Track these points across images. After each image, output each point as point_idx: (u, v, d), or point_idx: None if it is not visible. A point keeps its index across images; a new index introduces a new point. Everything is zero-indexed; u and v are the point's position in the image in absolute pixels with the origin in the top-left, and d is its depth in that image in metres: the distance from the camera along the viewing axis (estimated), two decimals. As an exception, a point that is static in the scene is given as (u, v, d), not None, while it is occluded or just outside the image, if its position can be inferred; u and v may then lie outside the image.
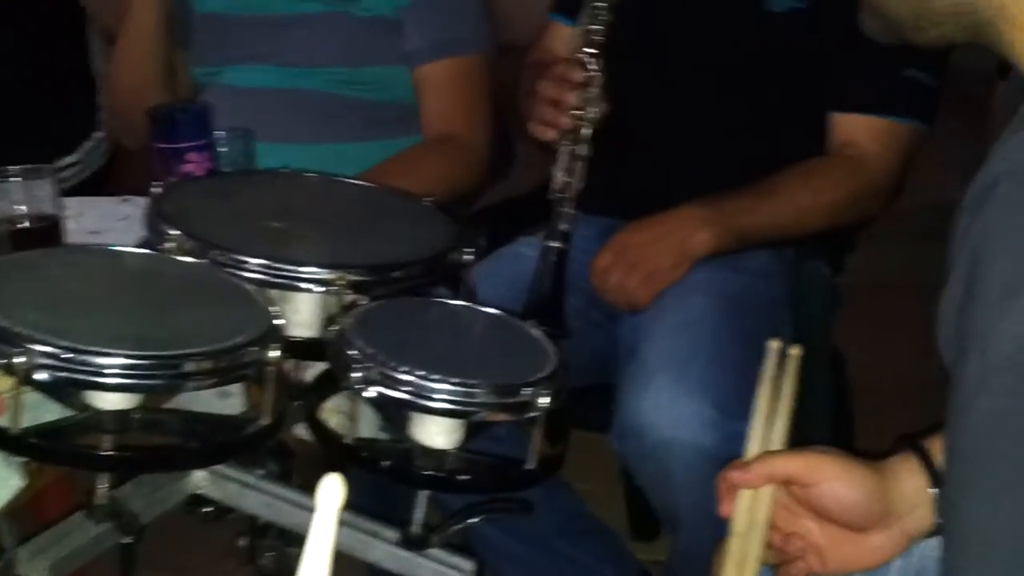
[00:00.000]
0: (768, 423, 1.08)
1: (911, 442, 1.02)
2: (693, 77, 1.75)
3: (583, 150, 1.61)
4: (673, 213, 1.66)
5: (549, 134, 1.63)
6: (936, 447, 1.00)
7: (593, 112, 1.60)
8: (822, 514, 1.01)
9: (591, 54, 1.60)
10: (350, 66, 1.90)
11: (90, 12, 2.22)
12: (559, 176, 1.62)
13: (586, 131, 1.61)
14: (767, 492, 1.03)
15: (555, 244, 1.61)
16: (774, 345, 1.10)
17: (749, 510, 1.03)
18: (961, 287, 0.74)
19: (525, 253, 1.80)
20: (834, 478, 1.00)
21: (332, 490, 0.49)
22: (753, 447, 1.07)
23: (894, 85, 1.67)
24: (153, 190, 1.35)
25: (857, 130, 1.69)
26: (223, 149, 1.71)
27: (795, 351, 1.09)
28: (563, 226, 1.61)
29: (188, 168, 1.65)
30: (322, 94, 1.89)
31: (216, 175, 1.63)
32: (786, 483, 1.02)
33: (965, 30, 0.83)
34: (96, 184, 2.17)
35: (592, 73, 1.60)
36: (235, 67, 1.94)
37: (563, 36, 1.89)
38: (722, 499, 1.05)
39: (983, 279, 0.71)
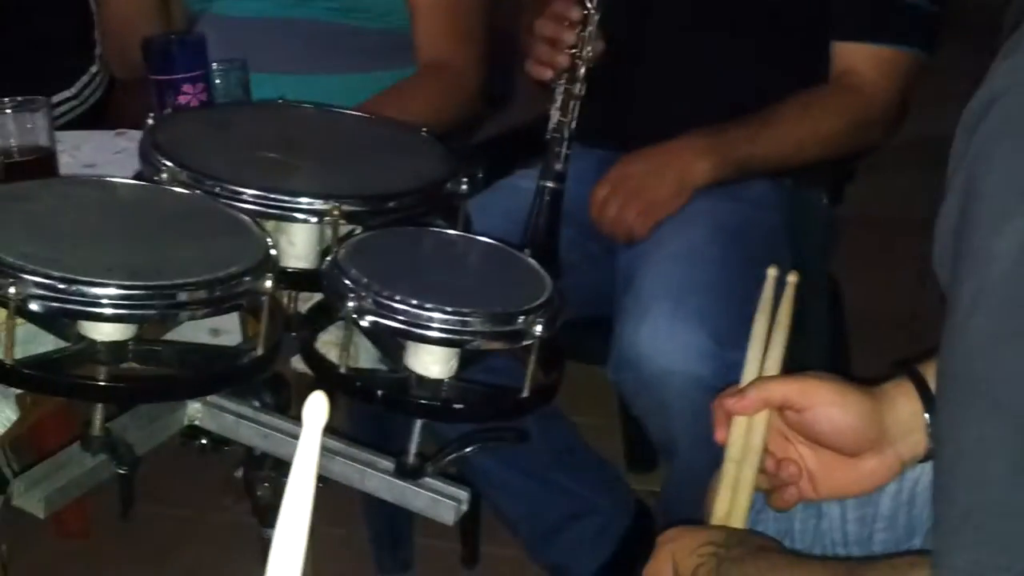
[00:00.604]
0: (764, 351, 1.08)
1: (907, 367, 1.02)
2: (692, 7, 1.73)
3: (578, 89, 1.60)
4: (672, 143, 1.65)
5: (546, 74, 1.62)
6: (931, 372, 1.00)
7: (589, 51, 1.59)
8: (816, 439, 1.02)
9: None
10: None
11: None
12: (555, 115, 1.61)
13: (582, 70, 1.60)
14: (762, 418, 1.03)
15: (550, 184, 1.61)
16: (772, 273, 1.09)
17: (744, 436, 1.03)
18: (957, 207, 0.73)
19: (522, 186, 1.79)
20: (829, 403, 1.00)
21: (317, 408, 0.49)
22: (749, 374, 1.07)
23: (894, 12, 1.66)
24: (148, 122, 1.34)
25: (856, 58, 1.68)
26: (218, 80, 1.70)
27: (792, 278, 1.09)
28: (558, 166, 1.61)
29: (183, 99, 1.63)
30: (319, 23, 1.87)
31: (211, 106, 1.62)
32: (781, 408, 1.02)
33: None
34: (94, 118, 2.15)
35: (589, 11, 1.59)
36: None
37: None
38: (717, 425, 1.05)
39: (978, 199, 0.71)
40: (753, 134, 1.66)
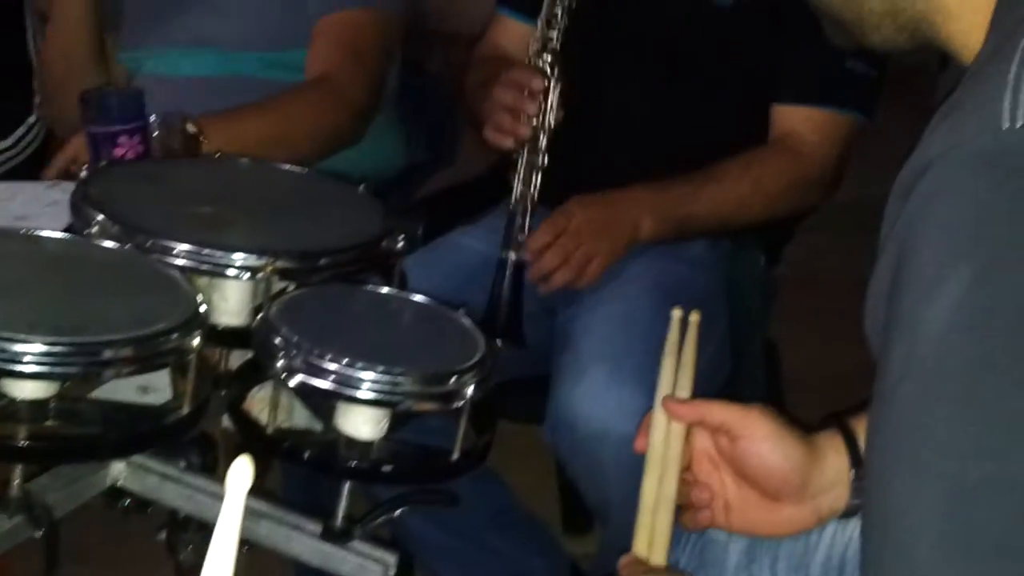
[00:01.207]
0: (671, 392, 1.07)
1: (838, 420, 1.02)
2: (643, 72, 1.74)
3: (541, 160, 1.61)
4: (618, 196, 1.65)
5: (508, 143, 1.62)
6: (861, 427, 1.00)
7: (551, 121, 1.60)
8: (742, 472, 1.01)
9: (550, 61, 1.60)
10: (280, 49, 1.87)
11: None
12: (517, 186, 1.61)
13: (544, 140, 1.60)
14: (679, 433, 1.02)
15: (513, 255, 1.60)
16: (676, 314, 1.09)
17: (662, 446, 1.02)
18: (889, 272, 0.74)
19: (463, 243, 1.79)
20: (764, 438, 0.99)
21: (241, 472, 0.48)
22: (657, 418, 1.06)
23: (834, 76, 1.68)
24: (81, 174, 1.32)
25: (796, 120, 1.70)
26: (156, 133, 1.69)
27: (694, 318, 1.08)
28: (521, 237, 1.61)
29: (119, 152, 1.62)
30: (250, 79, 1.85)
31: (147, 159, 1.60)
32: (717, 430, 1.01)
33: (903, 30, 0.83)
34: (30, 170, 2.12)
35: (550, 81, 1.59)
36: (164, 53, 1.89)
37: (512, 31, 1.87)
38: (640, 434, 1.05)
39: (910, 265, 0.71)
40: (696, 192, 1.67)
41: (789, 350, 1.91)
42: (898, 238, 0.72)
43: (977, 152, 0.69)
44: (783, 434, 1.00)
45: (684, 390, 1.05)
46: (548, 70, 1.60)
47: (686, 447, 1.03)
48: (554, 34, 1.62)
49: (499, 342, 1.59)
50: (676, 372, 1.06)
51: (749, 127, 1.73)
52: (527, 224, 1.61)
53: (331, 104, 1.81)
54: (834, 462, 1.00)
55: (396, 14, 1.91)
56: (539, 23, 1.64)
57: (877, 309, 0.76)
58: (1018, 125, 0.67)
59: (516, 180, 1.62)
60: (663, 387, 1.06)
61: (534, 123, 1.60)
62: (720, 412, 1.01)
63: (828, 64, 1.67)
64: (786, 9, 1.66)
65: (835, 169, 1.73)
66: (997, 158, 0.68)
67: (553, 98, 1.60)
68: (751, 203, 1.69)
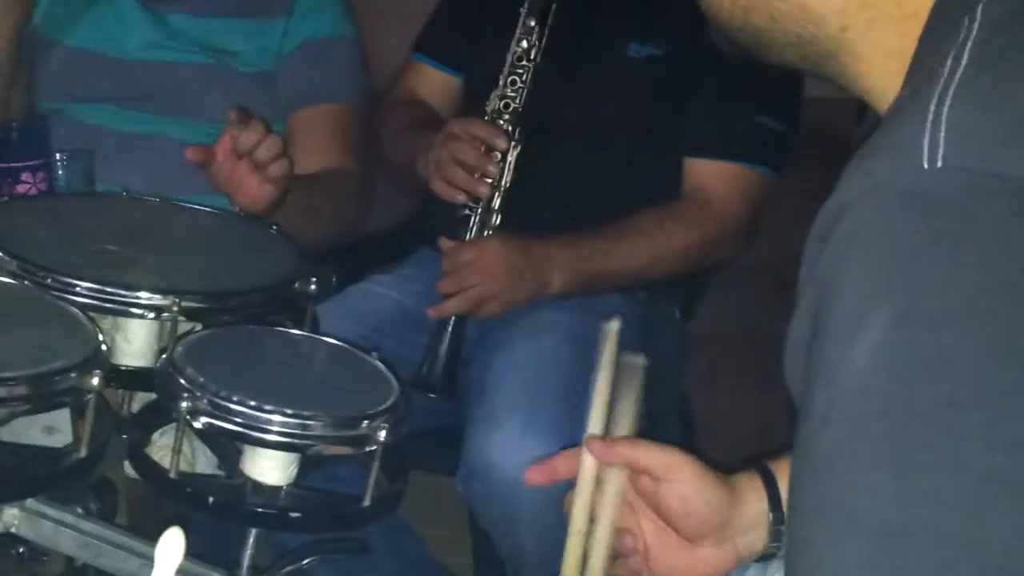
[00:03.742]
0: (606, 414, 1.05)
1: (757, 463, 1.01)
2: (563, 128, 1.74)
3: (494, 219, 1.61)
4: (535, 248, 1.64)
5: (459, 197, 1.61)
6: (781, 470, 1.00)
7: (507, 182, 1.60)
8: (663, 514, 1.00)
9: (512, 122, 1.60)
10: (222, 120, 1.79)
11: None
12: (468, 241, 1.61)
13: (499, 201, 1.61)
14: (617, 477, 0.99)
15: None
16: (613, 327, 1.07)
17: (589, 496, 0.99)
18: (809, 318, 0.72)
19: (376, 291, 1.77)
20: (686, 481, 0.98)
21: (171, 545, 0.45)
22: (593, 430, 1.03)
23: (744, 131, 1.69)
24: (-21, 208, 1.28)
25: (707, 175, 1.71)
26: (61, 170, 1.64)
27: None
28: None
29: (22, 188, 1.57)
30: (184, 144, 1.71)
31: (50, 195, 1.55)
32: (640, 472, 1.00)
33: (806, 61, 0.83)
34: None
35: (513, 143, 1.60)
36: (96, 104, 1.81)
37: (429, 78, 1.87)
38: (557, 466, 1.02)
39: (830, 308, 0.70)
40: (608, 249, 1.67)
41: (702, 404, 1.91)
42: (817, 281, 0.71)
43: (897, 191, 0.68)
44: (704, 477, 0.99)
45: (624, 428, 1.03)
46: (511, 130, 1.61)
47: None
48: (517, 95, 1.62)
49: (432, 395, 1.59)
50: (613, 402, 1.04)
51: (671, 181, 1.73)
52: None
53: (355, 192, 1.79)
54: (753, 503, 1.00)
55: (367, 104, 1.88)
56: (501, 82, 1.63)
57: (797, 355, 0.75)
58: (938, 164, 0.67)
59: (468, 236, 1.61)
60: (596, 407, 1.04)
61: (491, 183, 1.60)
62: (646, 455, 1.00)
63: (737, 119, 1.69)
64: (697, 62, 1.68)
65: (747, 224, 1.74)
66: (917, 197, 0.67)
67: (512, 159, 1.60)
68: (664, 258, 1.69)
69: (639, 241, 1.68)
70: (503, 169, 1.61)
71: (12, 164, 1.57)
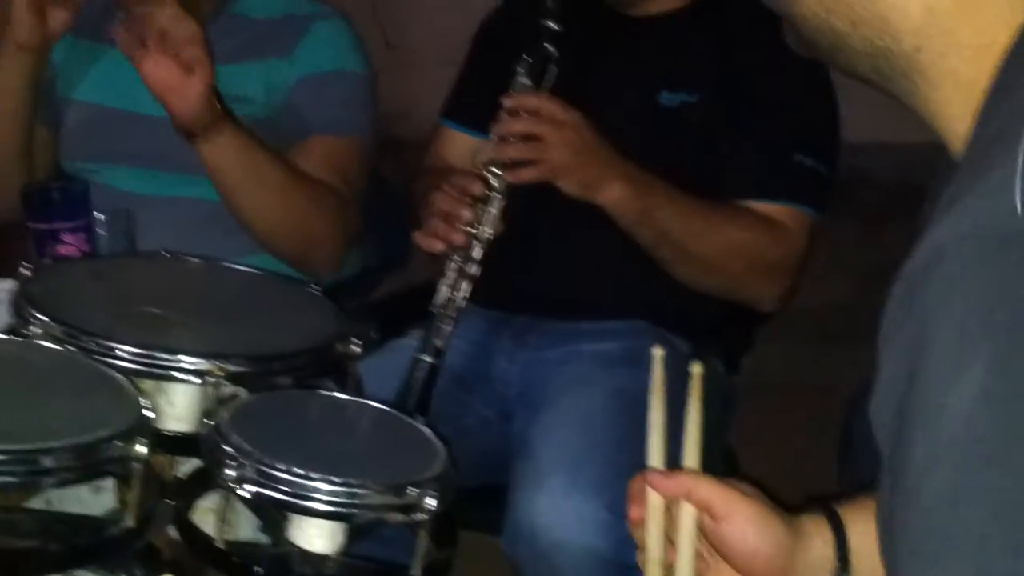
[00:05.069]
0: (666, 438, 1.02)
1: (825, 505, 0.99)
2: None
3: (472, 269, 1.55)
4: (610, 149, 1.60)
5: (437, 246, 1.56)
6: (851, 516, 0.97)
7: (488, 232, 1.55)
8: (724, 553, 0.97)
9: (496, 173, 1.56)
10: None
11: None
12: (443, 290, 1.55)
13: (477, 250, 1.55)
14: (690, 511, 0.97)
15: (426, 359, 1.53)
16: (658, 353, 1.05)
17: (661, 525, 0.97)
18: (903, 370, 0.71)
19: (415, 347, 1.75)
20: (748, 521, 0.96)
21: None
22: (654, 461, 1.01)
23: (786, 170, 1.67)
24: (22, 272, 1.27)
25: (771, 211, 1.68)
26: (102, 231, 1.64)
27: (697, 369, 1.04)
28: (439, 342, 1.54)
29: (64, 250, 1.57)
30: (208, 203, 1.73)
31: (92, 257, 1.55)
32: (699, 508, 0.97)
33: (878, 73, 0.81)
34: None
35: (493, 192, 1.56)
36: (117, 166, 1.80)
37: (456, 143, 1.85)
38: (632, 502, 0.99)
39: (927, 356, 0.68)
40: (673, 194, 1.63)
41: (747, 457, 1.88)
42: (911, 332, 0.70)
43: (990, 237, 0.67)
44: (768, 516, 0.96)
45: (691, 457, 1.01)
46: (493, 181, 1.56)
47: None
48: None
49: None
50: (662, 415, 1.02)
51: None
52: (448, 330, 1.54)
53: (335, 202, 1.75)
54: (819, 548, 0.97)
55: (374, 142, 1.87)
56: (491, 136, 1.60)
57: (887, 409, 0.73)
58: None
59: (442, 284, 1.56)
60: (655, 435, 1.01)
61: (468, 231, 1.55)
62: (705, 489, 0.97)
63: (778, 158, 1.67)
64: (732, 104, 1.67)
65: (794, 264, 1.71)
66: (1011, 241, 0.66)
67: (495, 210, 1.56)
68: (714, 240, 1.64)
69: (701, 206, 1.64)
70: (482, 218, 1.55)
71: (54, 225, 1.57)
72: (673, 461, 1.02)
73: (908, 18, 0.77)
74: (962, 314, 0.67)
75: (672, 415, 1.52)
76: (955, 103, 0.77)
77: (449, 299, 1.55)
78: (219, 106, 1.60)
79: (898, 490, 0.70)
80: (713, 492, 0.97)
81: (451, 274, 1.56)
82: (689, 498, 0.97)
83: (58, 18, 1.70)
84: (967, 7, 0.75)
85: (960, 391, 0.66)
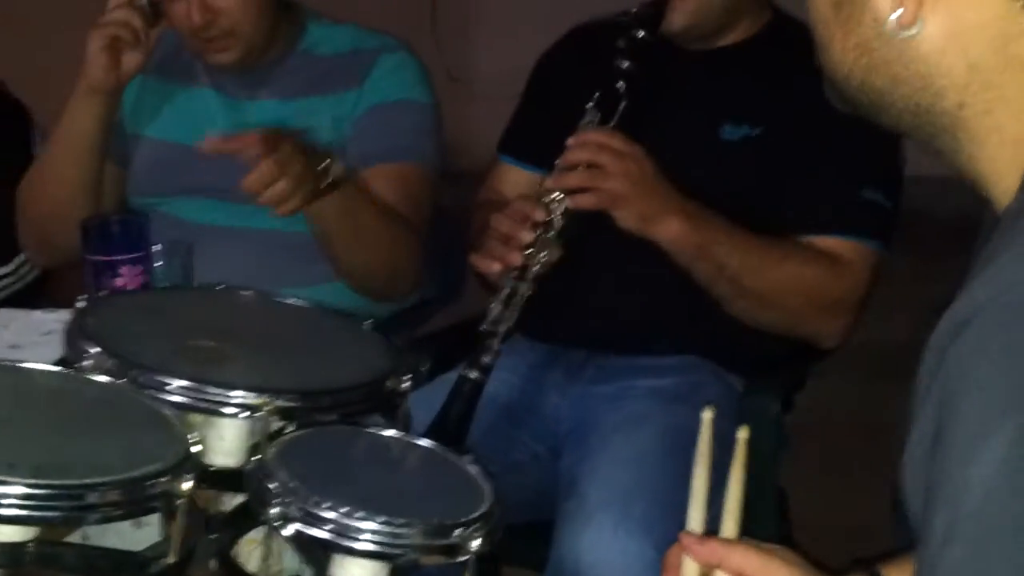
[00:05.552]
0: (707, 504, 1.01)
1: (868, 566, 0.97)
2: None
3: (526, 289, 1.55)
4: (671, 187, 1.61)
5: (494, 267, 1.57)
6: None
7: (544, 255, 1.56)
8: None
9: (556, 200, 1.57)
10: None
11: (34, 117, 2.15)
12: (496, 308, 1.55)
13: (534, 271, 1.55)
14: None
15: (473, 375, 1.53)
16: (707, 416, 1.04)
17: None
18: (930, 430, 0.70)
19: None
20: None
21: None
22: (694, 528, 1.01)
23: (852, 205, 1.66)
24: (77, 304, 1.29)
25: (832, 246, 1.67)
26: (159, 264, 1.65)
27: (743, 434, 1.03)
28: (487, 358, 1.53)
29: (120, 282, 1.59)
30: (274, 233, 1.77)
31: (147, 289, 1.56)
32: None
33: (920, 130, 0.80)
34: (30, 296, 2.09)
35: (553, 217, 1.56)
36: (185, 198, 1.83)
37: (513, 178, 1.86)
38: (667, 570, 0.99)
39: (952, 424, 0.68)
40: (732, 230, 1.62)
41: (799, 497, 1.85)
42: (939, 394, 0.69)
43: (1017, 303, 0.66)
44: None
45: (730, 523, 0.99)
46: (553, 207, 1.57)
47: None
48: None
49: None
50: (708, 480, 1.00)
51: None
52: (496, 348, 1.54)
53: (409, 243, 1.78)
54: None
55: (439, 171, 1.88)
56: (556, 165, 1.60)
57: (917, 470, 0.72)
58: None
59: (495, 301, 1.56)
60: (696, 501, 1.00)
61: (526, 253, 1.55)
62: (738, 557, 0.96)
63: (843, 193, 1.66)
64: (795, 138, 1.65)
65: (858, 299, 1.68)
66: None
67: (553, 235, 1.56)
68: (772, 275, 1.63)
69: (759, 242, 1.63)
70: (541, 241, 1.56)
71: (112, 258, 1.59)
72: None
73: (951, 75, 0.76)
74: (985, 384, 0.66)
75: (721, 457, 1.51)
76: (1000, 159, 0.76)
77: (500, 316, 1.55)
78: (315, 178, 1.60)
79: (922, 560, 0.70)
80: (748, 560, 0.96)
81: (505, 293, 1.56)
82: (724, 564, 0.96)
83: (131, 60, 1.73)
84: (1013, 64, 0.74)
85: (982, 463, 0.66)
